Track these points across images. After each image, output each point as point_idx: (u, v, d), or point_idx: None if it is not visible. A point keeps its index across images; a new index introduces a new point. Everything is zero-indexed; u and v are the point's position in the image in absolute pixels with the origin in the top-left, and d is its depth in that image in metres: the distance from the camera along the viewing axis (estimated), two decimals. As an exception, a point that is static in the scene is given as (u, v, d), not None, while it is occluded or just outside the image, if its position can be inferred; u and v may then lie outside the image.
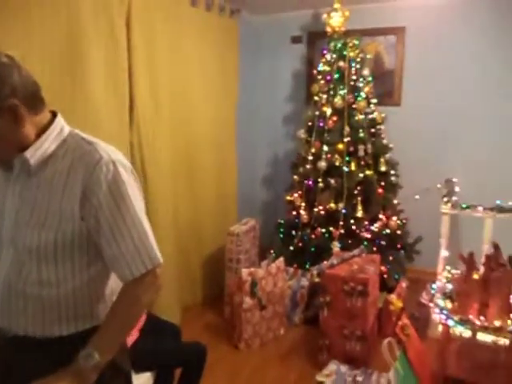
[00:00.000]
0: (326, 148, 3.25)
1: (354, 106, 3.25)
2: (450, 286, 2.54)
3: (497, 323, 2.20)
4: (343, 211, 3.17)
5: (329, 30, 3.35)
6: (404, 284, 3.10)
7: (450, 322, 2.28)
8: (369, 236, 3.16)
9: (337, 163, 3.21)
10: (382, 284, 2.89)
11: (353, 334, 2.49)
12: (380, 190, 3.25)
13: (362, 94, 3.26)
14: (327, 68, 3.32)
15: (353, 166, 3.20)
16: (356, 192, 3.19)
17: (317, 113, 3.35)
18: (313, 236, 3.26)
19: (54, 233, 1.00)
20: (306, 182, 3.35)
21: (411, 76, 3.67)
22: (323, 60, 3.38)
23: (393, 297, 2.89)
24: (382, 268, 3.01)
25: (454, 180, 3.31)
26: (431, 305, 2.67)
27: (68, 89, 2.17)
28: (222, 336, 2.90)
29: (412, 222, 3.49)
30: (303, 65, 4.08)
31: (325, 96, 3.31)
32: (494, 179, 3.40)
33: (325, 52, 3.39)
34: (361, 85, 3.28)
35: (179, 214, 3.06)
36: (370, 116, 3.32)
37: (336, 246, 3.09)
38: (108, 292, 1.10)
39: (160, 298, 2.78)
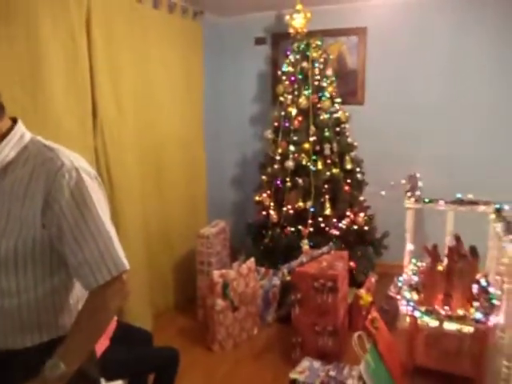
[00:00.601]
0: (292, 148, 3.29)
1: (318, 105, 3.30)
2: (416, 278, 2.62)
3: (460, 312, 2.29)
4: (311, 209, 3.22)
5: (292, 31, 3.39)
6: (373, 278, 3.17)
7: (417, 313, 2.35)
8: (337, 233, 3.22)
9: (304, 162, 3.26)
10: (351, 279, 2.95)
11: (324, 330, 2.53)
12: (347, 188, 3.31)
13: (326, 94, 3.31)
14: (291, 69, 3.36)
15: (319, 165, 3.25)
16: (323, 190, 3.24)
17: (282, 113, 3.39)
18: (282, 235, 3.30)
19: (15, 240, 0.98)
20: (274, 181, 3.38)
21: (373, 75, 3.76)
22: (287, 61, 3.42)
23: (362, 291, 2.95)
24: (351, 264, 3.07)
25: (417, 175, 3.41)
26: (399, 297, 2.74)
27: (27, 95, 2.11)
28: (196, 339, 2.89)
29: (378, 218, 3.58)
30: (268, 66, 4.12)
31: (290, 96, 3.35)
32: (454, 174, 3.52)
33: (288, 53, 3.43)
34: (325, 85, 3.34)
35: (148, 218, 3.02)
36: (335, 115, 3.38)
37: (306, 244, 3.14)
38: (73, 301, 1.09)
39: (130, 304, 2.75)
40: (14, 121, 1.05)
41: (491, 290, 2.42)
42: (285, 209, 3.31)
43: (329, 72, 3.39)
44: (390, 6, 3.59)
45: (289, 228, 3.30)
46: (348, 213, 3.31)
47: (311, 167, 3.24)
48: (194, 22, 3.48)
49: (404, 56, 3.63)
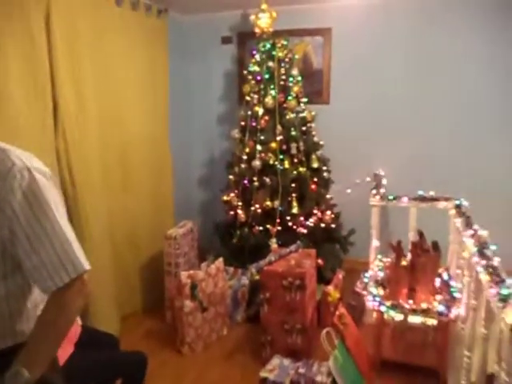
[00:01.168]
0: (259, 147, 3.30)
1: (284, 105, 3.32)
2: (381, 274, 2.68)
3: (424, 305, 2.36)
4: (279, 208, 3.24)
5: (257, 30, 3.40)
6: (340, 275, 3.23)
7: (383, 308, 2.40)
8: (305, 231, 3.25)
9: (271, 162, 3.27)
10: (319, 276, 2.98)
11: (293, 328, 2.55)
12: (313, 186, 3.35)
13: (292, 94, 3.34)
14: (257, 68, 3.37)
15: (286, 164, 3.28)
16: (291, 189, 3.27)
17: (249, 112, 3.39)
18: (251, 234, 3.30)
19: None
20: (241, 181, 3.38)
21: (339, 75, 3.82)
22: (253, 60, 3.42)
23: (330, 288, 3.00)
24: (319, 261, 3.10)
25: (381, 173, 3.50)
26: (365, 293, 2.80)
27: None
28: (165, 342, 2.85)
29: (345, 215, 3.64)
30: (234, 65, 4.11)
31: (256, 96, 3.35)
32: (417, 171, 3.63)
33: (254, 52, 3.43)
34: (290, 84, 3.36)
35: (113, 218, 2.95)
36: (301, 115, 3.41)
37: (274, 243, 3.15)
38: (31, 306, 1.05)
39: (96, 307, 2.68)
40: None
41: (452, 283, 2.51)
42: (253, 208, 3.31)
43: (295, 72, 3.41)
44: (354, 7, 3.65)
45: (257, 227, 3.31)
46: (315, 211, 3.35)
47: (278, 166, 3.26)
48: (158, 20, 3.43)
49: (368, 56, 3.70)
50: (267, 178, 3.27)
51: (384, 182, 3.25)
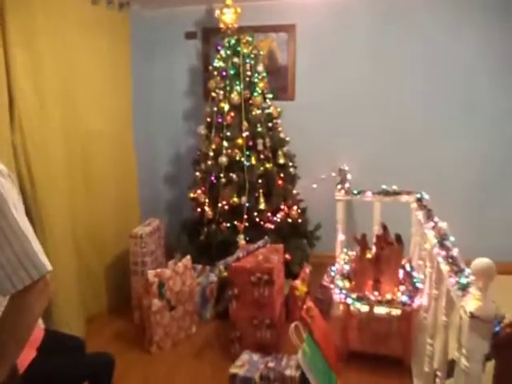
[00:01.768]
0: (226, 143, 3.28)
1: (250, 101, 3.32)
2: (347, 267, 2.74)
3: (388, 296, 2.43)
4: (246, 204, 3.24)
5: (222, 26, 3.38)
6: (307, 269, 3.27)
7: (349, 300, 2.46)
8: (272, 227, 3.27)
9: (237, 158, 3.27)
10: (287, 271, 3.01)
11: (262, 323, 2.56)
12: (280, 182, 3.37)
13: (258, 90, 3.34)
14: (222, 64, 3.35)
15: (253, 160, 3.28)
16: (257, 185, 3.27)
17: (215, 109, 3.36)
18: (218, 231, 3.29)
19: None
20: (208, 178, 3.36)
21: (303, 72, 3.85)
22: (218, 56, 3.39)
23: (297, 282, 3.03)
24: (286, 256, 3.13)
25: (346, 168, 3.56)
26: (332, 286, 2.85)
27: None
28: (133, 342, 2.81)
29: (311, 210, 3.69)
30: (199, 60, 4.07)
31: (222, 92, 3.33)
32: (380, 166, 3.72)
33: (219, 48, 3.41)
34: (256, 80, 3.36)
35: (76, 217, 2.87)
36: (267, 111, 3.42)
37: (241, 239, 3.15)
38: None
39: (59, 310, 2.61)
40: None
41: (415, 274, 2.59)
42: (220, 205, 3.30)
43: (260, 68, 3.41)
44: (318, 4, 3.68)
45: (224, 224, 3.30)
46: (282, 206, 3.37)
47: (245, 162, 3.26)
48: (120, 14, 3.34)
49: (332, 53, 3.75)
50: (234, 174, 3.26)
51: (349, 177, 3.31)
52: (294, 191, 3.57)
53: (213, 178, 3.35)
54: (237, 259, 2.64)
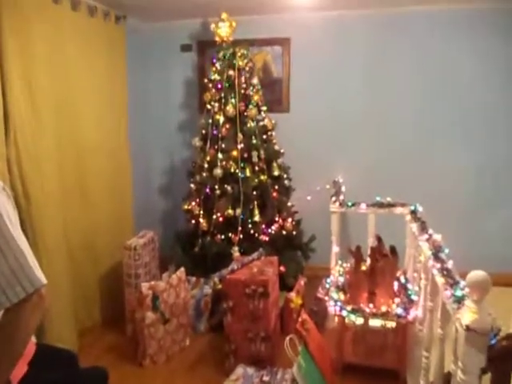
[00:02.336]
0: (220, 155, 3.29)
1: (245, 113, 3.34)
2: (342, 279, 2.73)
3: (383, 309, 2.42)
4: (241, 217, 3.24)
5: (217, 39, 3.41)
6: (302, 281, 3.26)
7: (344, 312, 2.45)
8: (267, 239, 3.26)
9: (232, 170, 3.27)
10: (281, 284, 2.99)
11: (257, 336, 2.54)
12: (274, 194, 3.38)
13: (253, 102, 3.36)
14: (217, 77, 3.37)
15: (248, 172, 3.28)
16: (252, 197, 3.27)
17: (210, 121, 3.38)
18: (213, 243, 3.27)
19: None
20: (203, 189, 3.36)
21: (298, 84, 3.89)
22: (213, 69, 3.42)
23: (292, 295, 3.02)
24: (281, 268, 3.12)
25: (341, 180, 3.58)
26: (327, 298, 2.84)
27: None
28: (126, 355, 2.77)
29: (305, 222, 3.69)
30: (194, 73, 4.09)
31: (217, 104, 3.35)
32: (374, 178, 3.74)
33: (214, 61, 3.43)
34: (251, 93, 3.38)
35: (70, 229, 2.85)
36: (261, 123, 3.44)
37: (236, 252, 3.14)
38: None
39: (52, 323, 2.57)
40: None
41: (409, 286, 2.59)
42: (214, 217, 3.29)
43: (255, 81, 3.44)
44: (312, 18, 3.73)
45: (219, 236, 3.29)
46: (276, 218, 3.38)
47: (240, 174, 3.26)
48: (116, 27, 3.37)
49: (327, 66, 3.80)
50: (229, 186, 3.26)
51: (343, 189, 3.33)
52: (289, 203, 3.58)
53: (207, 190, 3.34)
54: (231, 271, 2.63)
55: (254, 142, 3.31)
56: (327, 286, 3.03)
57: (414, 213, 2.68)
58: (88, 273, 3.08)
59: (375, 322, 2.46)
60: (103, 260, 3.21)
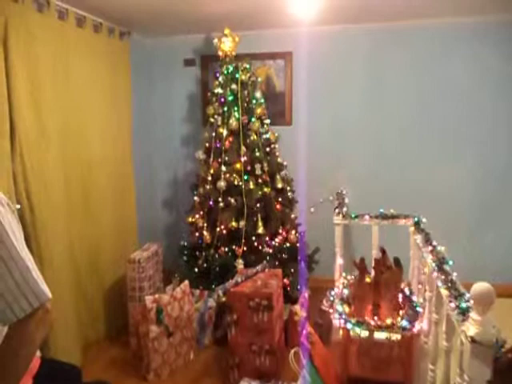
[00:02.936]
0: (224, 168, 3.31)
1: (248, 126, 3.37)
2: (346, 291, 2.72)
3: (388, 321, 2.40)
4: (245, 229, 3.24)
5: (221, 53, 3.45)
6: (306, 294, 3.25)
7: (349, 325, 2.43)
8: (270, 251, 3.26)
9: (236, 182, 3.29)
10: (285, 296, 2.99)
11: (261, 349, 2.53)
12: (278, 206, 3.39)
13: (256, 115, 3.39)
14: (221, 90, 3.41)
15: (251, 185, 3.30)
16: (256, 209, 3.28)
17: (213, 134, 3.41)
18: (217, 256, 3.28)
19: None
20: (206, 202, 3.37)
21: (300, 97, 3.91)
22: (216, 83, 3.46)
23: (297, 307, 3.01)
24: (285, 281, 3.12)
25: (344, 192, 3.59)
26: (331, 311, 2.83)
27: None
28: (130, 369, 2.76)
29: (309, 234, 3.69)
30: (197, 87, 4.14)
31: (220, 117, 3.38)
32: (377, 189, 3.75)
33: (218, 75, 3.48)
34: (254, 106, 3.42)
35: (74, 244, 2.86)
36: (264, 136, 3.47)
37: (240, 264, 3.14)
38: None
39: (56, 337, 2.57)
40: None
41: (414, 298, 2.58)
42: (218, 229, 3.30)
43: (257, 94, 3.48)
44: (313, 32, 3.78)
45: (223, 248, 3.29)
46: (280, 231, 3.38)
47: (243, 187, 3.28)
48: (121, 43, 3.42)
49: (328, 79, 3.83)
50: (232, 198, 3.28)
51: (346, 200, 3.33)
52: (292, 215, 3.58)
53: (211, 203, 3.36)
54: (235, 284, 2.63)
55: (258, 154, 3.34)
56: (331, 298, 3.01)
57: (417, 224, 2.68)
58: (92, 286, 3.08)
59: (380, 335, 2.44)
60: (107, 273, 3.21)
